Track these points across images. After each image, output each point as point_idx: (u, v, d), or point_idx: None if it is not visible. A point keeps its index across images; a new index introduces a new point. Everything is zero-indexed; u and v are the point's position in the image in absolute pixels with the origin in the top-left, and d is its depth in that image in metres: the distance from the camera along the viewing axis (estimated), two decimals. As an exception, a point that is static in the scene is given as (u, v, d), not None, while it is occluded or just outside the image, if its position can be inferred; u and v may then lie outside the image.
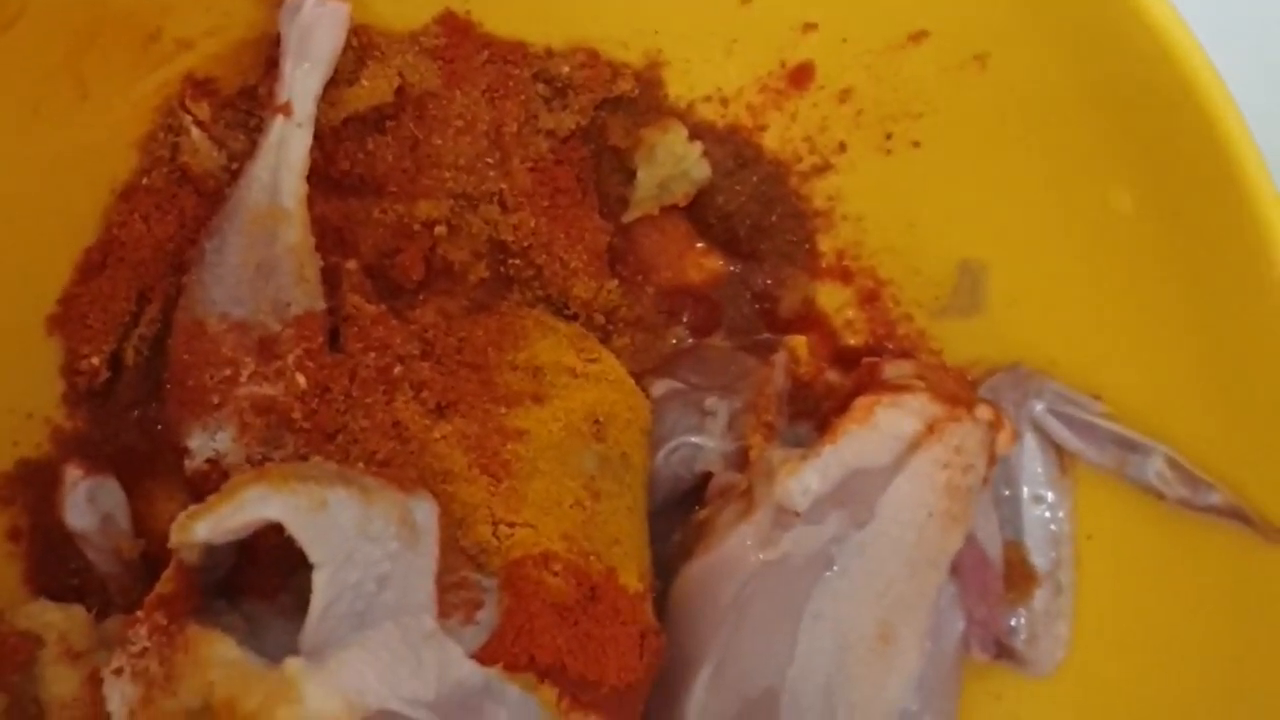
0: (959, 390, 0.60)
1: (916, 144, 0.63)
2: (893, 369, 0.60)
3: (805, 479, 0.56)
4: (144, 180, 0.58)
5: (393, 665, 0.46)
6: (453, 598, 0.51)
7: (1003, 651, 0.61)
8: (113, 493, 0.57)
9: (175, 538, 0.46)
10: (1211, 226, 0.55)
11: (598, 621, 0.52)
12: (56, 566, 0.57)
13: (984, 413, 0.58)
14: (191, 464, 0.55)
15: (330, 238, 0.59)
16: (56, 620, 0.53)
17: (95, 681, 0.52)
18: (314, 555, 0.46)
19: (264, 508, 0.45)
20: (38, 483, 0.57)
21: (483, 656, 0.49)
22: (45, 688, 0.53)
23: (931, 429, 0.57)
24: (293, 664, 0.45)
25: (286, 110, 0.55)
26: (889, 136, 0.63)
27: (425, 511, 0.50)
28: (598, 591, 0.52)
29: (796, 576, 0.56)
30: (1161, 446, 0.59)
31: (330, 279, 0.58)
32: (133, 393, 0.58)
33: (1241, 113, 0.54)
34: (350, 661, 0.46)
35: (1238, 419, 0.57)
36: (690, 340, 0.65)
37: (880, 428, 0.57)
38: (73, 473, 0.56)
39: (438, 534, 0.50)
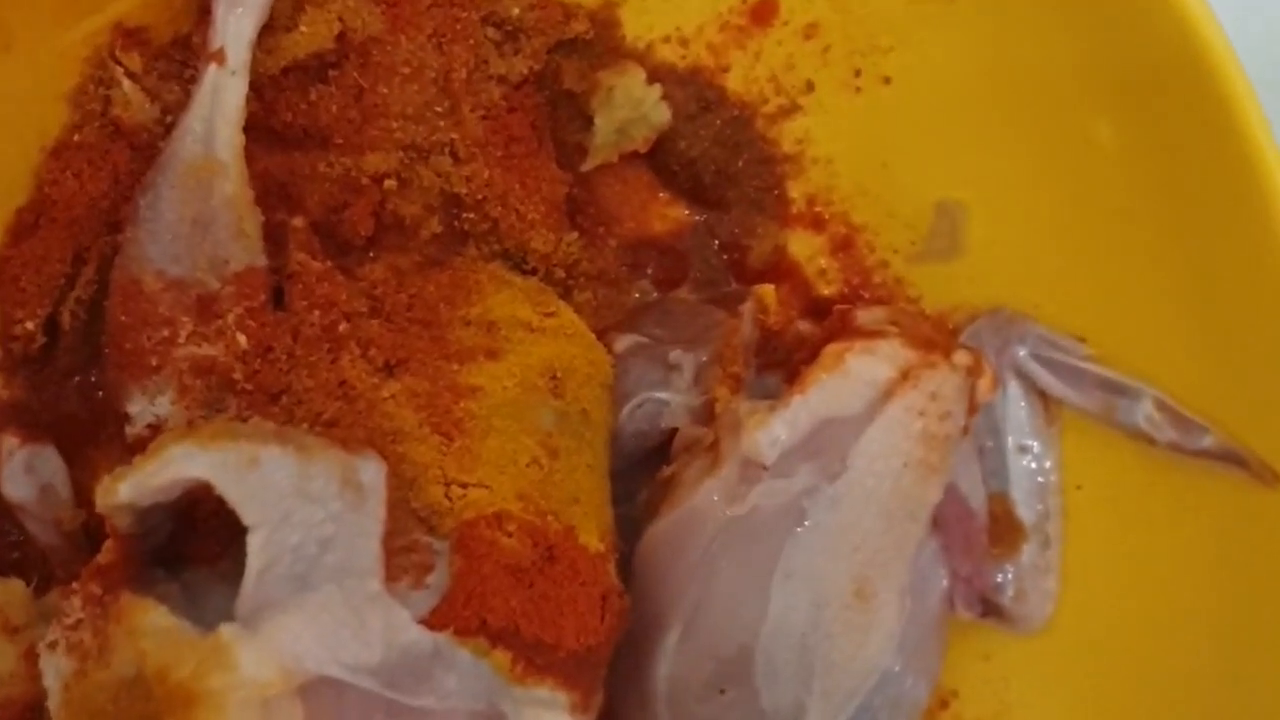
0: (935, 335, 0.57)
1: (887, 80, 0.60)
2: (866, 316, 0.58)
3: (773, 430, 0.54)
4: (75, 136, 0.56)
5: (334, 629, 0.45)
6: (402, 561, 0.49)
7: (989, 609, 0.60)
8: (51, 461, 0.55)
9: (100, 500, 0.44)
10: (1198, 157, 0.54)
11: (555, 583, 0.50)
12: (-6, 539, 0.55)
13: (962, 358, 0.56)
14: (132, 430, 0.53)
15: (275, 194, 0.57)
16: (-8, 594, 0.52)
17: (33, 656, 0.50)
18: (247, 516, 0.44)
19: (190, 466, 0.43)
20: (-28, 453, 0.55)
21: (432, 621, 0.47)
22: (-18, 664, 0.51)
23: (906, 375, 0.55)
24: (226, 630, 0.43)
25: (219, 58, 0.53)
26: (858, 73, 0.61)
27: (372, 471, 0.49)
28: (555, 552, 0.51)
29: (766, 532, 0.54)
30: (1151, 389, 0.57)
31: (276, 237, 0.56)
32: (71, 358, 0.56)
33: (1228, 37, 0.52)
34: (287, 626, 0.44)
35: (1229, 358, 0.55)
36: (655, 294, 0.63)
37: (851, 375, 0.55)
38: (9, 441, 0.54)
39: (385, 495, 0.49)
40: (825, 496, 0.54)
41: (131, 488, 0.44)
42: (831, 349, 0.55)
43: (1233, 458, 0.55)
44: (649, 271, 0.63)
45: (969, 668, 0.61)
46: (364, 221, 0.58)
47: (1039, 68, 0.57)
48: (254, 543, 0.45)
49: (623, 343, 0.60)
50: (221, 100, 0.53)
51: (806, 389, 0.54)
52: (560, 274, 0.60)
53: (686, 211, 0.63)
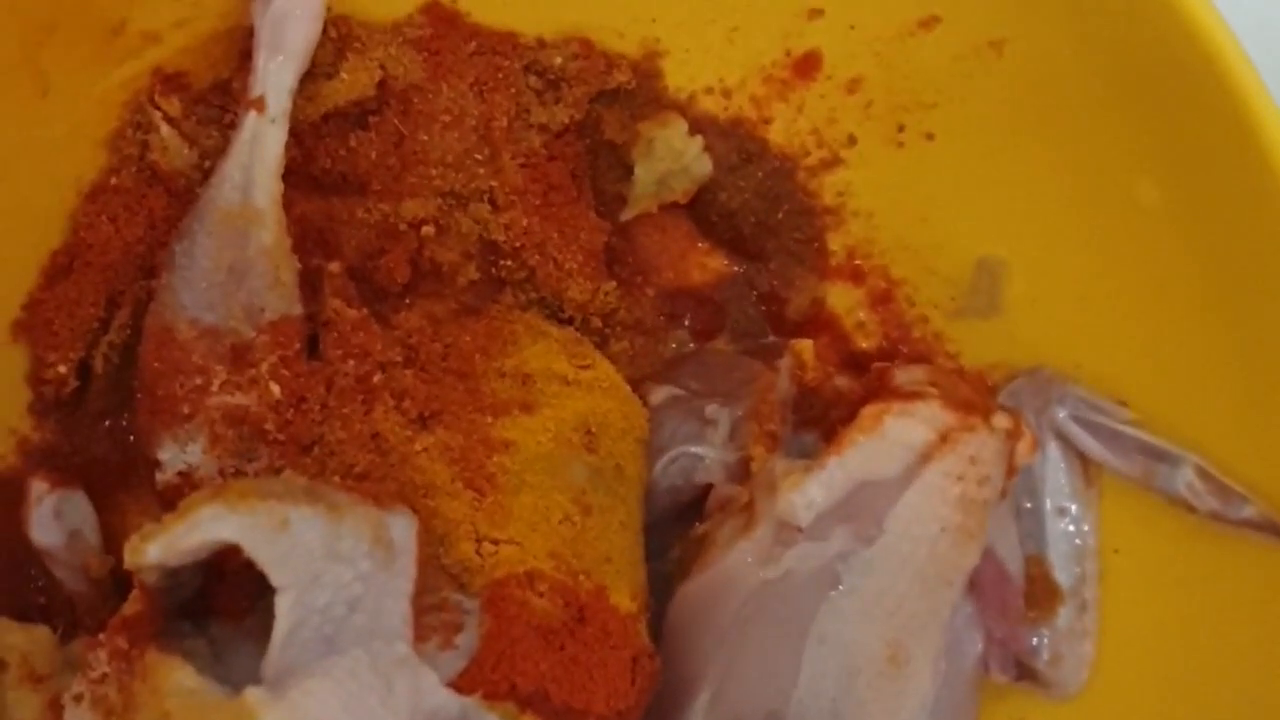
0: (975, 397, 0.56)
1: (930, 136, 0.60)
2: (904, 375, 0.57)
3: (809, 492, 0.53)
4: (112, 180, 0.56)
5: (360, 695, 0.44)
6: (431, 620, 0.49)
7: (1024, 673, 0.59)
8: (81, 507, 0.55)
9: (129, 559, 0.44)
10: (1243, 221, 0.53)
11: (585, 645, 0.49)
12: (21, 584, 0.55)
13: (1002, 421, 0.55)
14: (163, 477, 0.52)
15: (312, 239, 0.57)
16: (19, 641, 0.52)
17: (57, 707, 0.50)
18: (276, 578, 0.44)
19: (219, 528, 0.43)
20: (2, 497, 0.55)
21: (461, 684, 0.47)
22: (7, 712, 0.51)
23: (944, 438, 0.54)
24: (252, 694, 0.43)
25: (259, 105, 0.53)
26: (901, 128, 0.60)
27: (403, 528, 0.48)
28: (586, 613, 0.50)
29: (800, 595, 0.53)
30: (1191, 456, 0.56)
31: (312, 282, 0.55)
32: (103, 402, 0.56)
33: (1273, 99, 0.51)
34: (314, 691, 0.43)
35: (1272, 426, 0.54)
36: (692, 345, 0.63)
37: (889, 437, 0.54)
38: (39, 486, 0.54)
39: (416, 552, 0.48)
40: (860, 561, 0.53)
41: (160, 549, 0.43)
42: (869, 410, 0.55)
43: (1273, 528, 0.54)
44: (686, 322, 0.62)
45: (1002, 732, 0.60)
46: (401, 268, 0.57)
47: (1083, 126, 0.56)
48: (282, 605, 0.44)
49: (659, 395, 0.59)
50: (261, 148, 0.53)
51: (843, 451, 0.54)
52: (597, 323, 0.60)
53: (725, 262, 0.63)
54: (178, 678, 0.44)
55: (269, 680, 0.43)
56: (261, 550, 0.43)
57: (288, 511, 0.44)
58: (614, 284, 0.60)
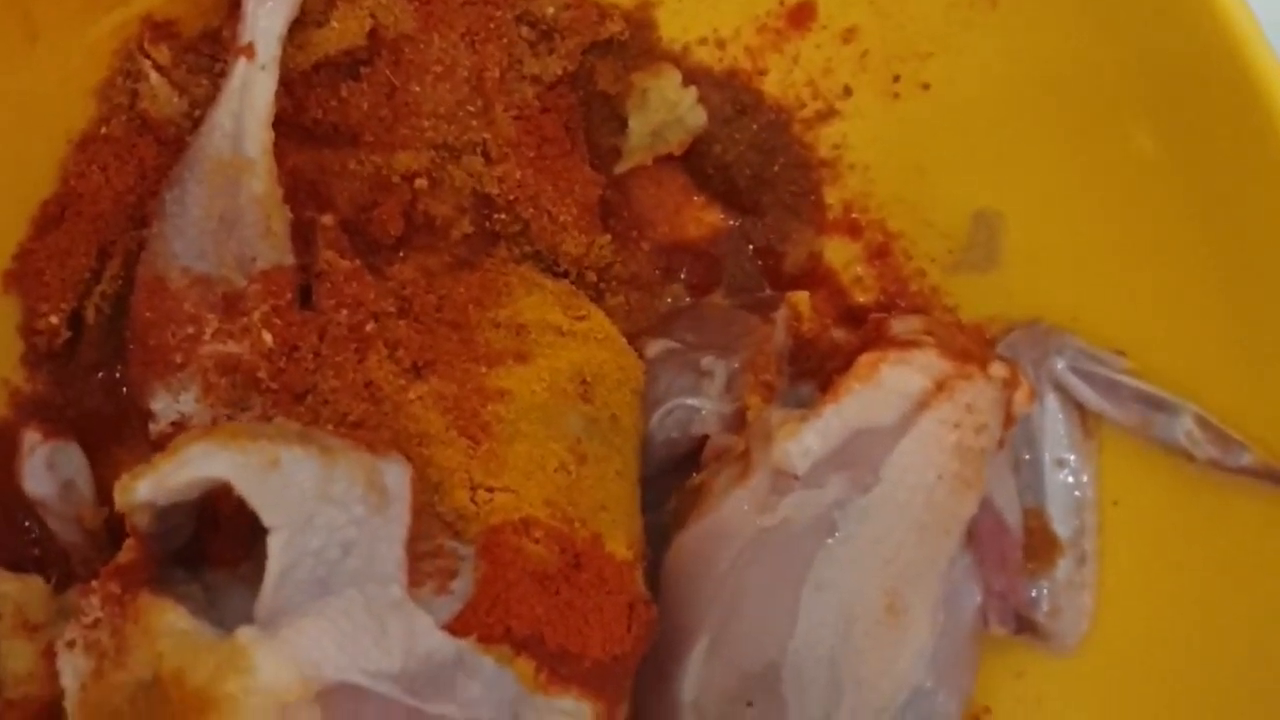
0: (972, 346, 0.56)
1: (926, 86, 0.60)
2: (901, 325, 0.57)
3: (804, 440, 0.53)
4: (102, 129, 0.55)
5: (354, 635, 0.44)
6: (426, 566, 0.48)
7: (1023, 625, 0.59)
8: (74, 458, 0.55)
9: (119, 499, 0.44)
10: (1241, 169, 0.53)
11: (581, 591, 0.49)
12: (14, 536, 0.55)
13: (999, 370, 0.55)
14: (156, 427, 0.52)
15: (305, 191, 0.57)
16: (12, 591, 0.52)
17: (52, 655, 0.49)
18: (267, 518, 0.44)
19: (209, 465, 0.43)
20: (-5, 447, 0.55)
21: (456, 627, 0.46)
22: (0, 662, 0.51)
23: (941, 387, 0.54)
24: (245, 633, 0.42)
25: (249, 52, 0.53)
26: (896, 79, 0.60)
27: (396, 474, 0.48)
28: (582, 559, 0.50)
29: (796, 543, 0.53)
30: (1190, 405, 0.56)
31: (305, 234, 0.55)
32: (95, 353, 0.56)
33: (1271, 45, 0.50)
34: (307, 630, 0.43)
35: (1270, 374, 0.54)
36: (688, 299, 0.62)
37: (885, 385, 0.54)
38: (31, 437, 0.54)
39: (410, 499, 0.48)
40: (857, 508, 0.53)
41: (150, 486, 0.43)
42: (866, 358, 0.54)
43: (1272, 475, 0.54)
44: (682, 276, 0.62)
45: (1001, 685, 0.59)
46: (394, 221, 0.57)
47: (1080, 75, 0.56)
48: (274, 545, 0.44)
49: (654, 348, 0.59)
50: (251, 96, 0.53)
51: (839, 399, 0.53)
52: (592, 277, 0.60)
53: (721, 216, 0.62)
54: (170, 619, 0.43)
55: (261, 620, 0.43)
56: (252, 488, 0.43)
57: (279, 451, 0.44)
58: (609, 238, 0.60)
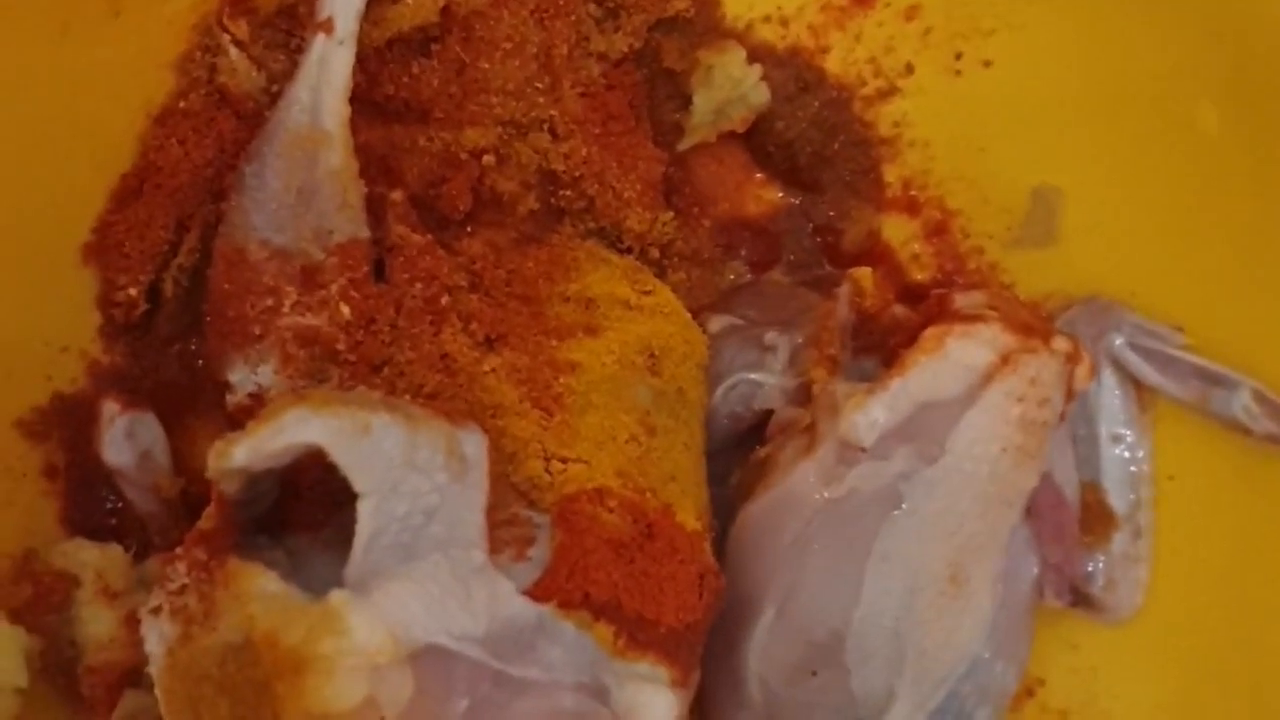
0: (1034, 321, 0.57)
1: (988, 63, 0.60)
2: (964, 299, 0.58)
3: (871, 412, 0.53)
4: (180, 103, 0.56)
5: (441, 599, 0.45)
6: (503, 534, 0.49)
7: (1079, 598, 0.59)
8: (151, 428, 0.55)
9: (213, 464, 0.44)
10: None
11: (654, 559, 0.50)
12: (93, 505, 0.56)
13: (1061, 344, 0.55)
14: (233, 399, 0.53)
15: (375, 167, 0.57)
16: (93, 559, 0.52)
17: (133, 622, 0.51)
18: (358, 483, 0.44)
19: (305, 430, 0.43)
20: (74, 418, 0.55)
21: (535, 593, 0.47)
22: (81, 628, 0.52)
23: (1005, 360, 0.54)
24: (338, 596, 0.43)
25: (328, 27, 0.53)
26: (959, 56, 0.60)
27: (474, 443, 0.48)
28: (654, 529, 0.50)
29: (862, 515, 0.53)
30: (1248, 380, 0.57)
31: (375, 210, 0.56)
32: (172, 325, 0.57)
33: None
34: (397, 593, 0.44)
35: None
36: (748, 275, 0.63)
37: (951, 358, 0.54)
38: (110, 407, 0.55)
39: (488, 467, 0.48)
40: (922, 480, 0.53)
41: (247, 451, 0.43)
42: (931, 332, 0.55)
43: (1330, 450, 0.55)
44: (743, 253, 0.63)
45: (1057, 656, 0.60)
46: (462, 196, 0.58)
47: (1143, 52, 0.57)
48: (364, 510, 0.44)
49: (717, 323, 0.60)
50: (328, 70, 0.54)
51: (906, 372, 0.54)
52: (655, 253, 0.60)
53: (781, 194, 0.63)
54: (261, 582, 0.44)
55: (351, 583, 0.44)
56: (345, 454, 0.44)
57: (370, 418, 0.44)
58: (671, 214, 0.60)
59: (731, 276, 0.63)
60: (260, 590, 0.44)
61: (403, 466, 0.45)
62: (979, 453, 0.54)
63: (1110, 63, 0.57)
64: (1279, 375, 0.56)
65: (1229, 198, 0.56)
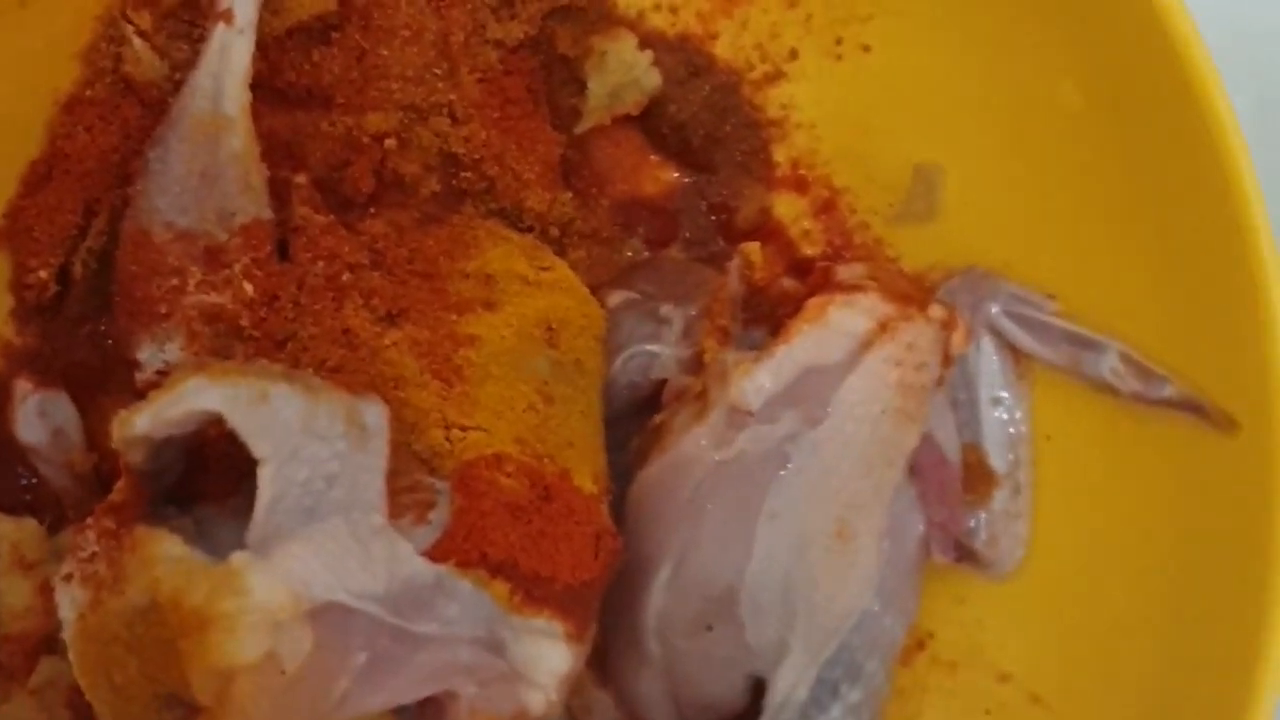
0: (912, 290, 0.60)
1: (866, 48, 0.62)
2: (846, 271, 0.60)
3: (758, 378, 0.56)
4: (87, 91, 0.57)
5: (341, 558, 0.46)
6: (404, 500, 0.51)
7: (963, 553, 0.61)
8: (63, 407, 0.57)
9: (117, 433, 0.46)
10: (1161, 119, 0.55)
11: (551, 520, 0.51)
12: (8, 480, 0.57)
13: (937, 312, 0.58)
14: (142, 376, 0.54)
15: (279, 151, 0.58)
16: (8, 531, 0.54)
17: (48, 591, 0.52)
18: (257, 449, 0.46)
19: (203, 398, 0.45)
20: (-13, 398, 0.56)
21: (434, 554, 0.49)
22: (-1, 598, 0.53)
23: (884, 327, 0.57)
24: (238, 557, 0.45)
25: (228, 17, 0.55)
26: (839, 41, 0.63)
27: (375, 414, 0.50)
28: (551, 492, 0.52)
29: (752, 475, 0.56)
30: (1115, 342, 0.59)
31: (279, 193, 0.57)
32: (82, 307, 0.58)
33: (1185, 3, 0.54)
34: (297, 553, 0.46)
35: (1189, 312, 0.57)
36: (646, 253, 0.65)
37: (832, 326, 0.57)
38: (23, 386, 0.56)
39: (388, 435, 0.50)
40: (807, 441, 0.56)
41: (147, 420, 0.45)
42: (814, 301, 0.58)
43: (1192, 406, 0.57)
44: (640, 231, 0.65)
45: (944, 610, 0.62)
46: (365, 179, 0.59)
47: (1009, 33, 0.58)
48: (264, 475, 0.46)
49: (615, 298, 0.61)
50: (229, 58, 0.55)
51: (790, 339, 0.56)
52: (555, 232, 0.62)
53: (676, 174, 0.65)
54: (165, 546, 0.46)
55: (253, 546, 0.46)
56: (243, 421, 0.45)
57: (268, 387, 0.46)
58: (570, 194, 0.62)
59: (630, 254, 0.65)
60: (165, 554, 0.46)
61: (302, 434, 0.47)
62: (860, 414, 0.56)
63: (981, 44, 0.59)
64: (1143, 338, 0.58)
65: (1092, 171, 0.58)
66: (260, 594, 0.44)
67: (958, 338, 0.59)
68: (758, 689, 0.57)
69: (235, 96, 0.55)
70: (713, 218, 0.65)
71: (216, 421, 0.47)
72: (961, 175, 0.62)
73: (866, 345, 0.57)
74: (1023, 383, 0.63)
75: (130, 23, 0.57)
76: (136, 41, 0.56)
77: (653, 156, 0.65)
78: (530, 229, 0.62)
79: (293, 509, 0.47)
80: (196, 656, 0.44)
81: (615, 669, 0.58)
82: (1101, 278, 0.59)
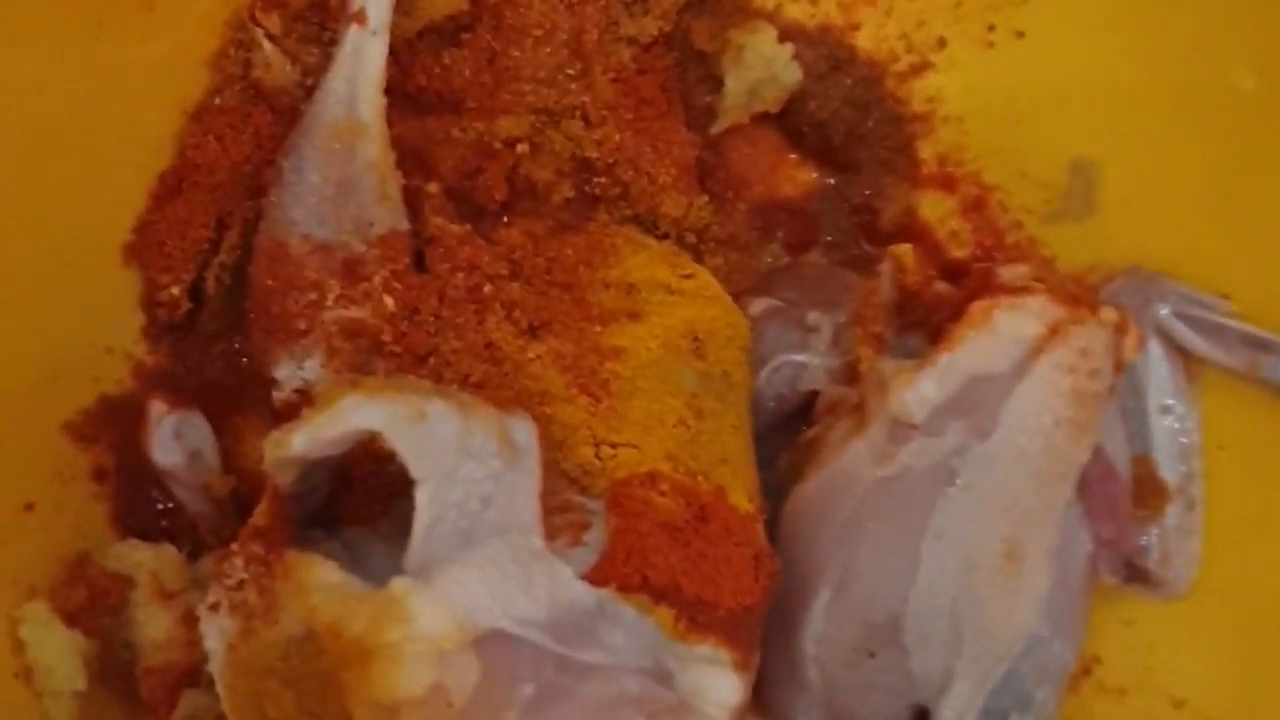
0: (1080, 292, 0.56)
1: (1020, 34, 0.60)
2: (1008, 273, 0.57)
3: (921, 388, 0.53)
4: (216, 99, 0.56)
5: (502, 583, 0.44)
6: (558, 520, 0.49)
7: (1133, 574, 0.59)
8: (200, 428, 0.55)
9: (270, 454, 0.44)
10: None
11: (710, 542, 0.49)
12: (144, 506, 0.55)
13: (1109, 314, 0.55)
14: (280, 395, 0.53)
15: (409, 159, 0.57)
16: (147, 560, 0.52)
17: (190, 621, 0.51)
18: (416, 469, 0.44)
19: (362, 417, 0.43)
20: (121, 420, 0.55)
21: (594, 578, 0.47)
22: (138, 630, 0.51)
23: (1054, 331, 0.54)
24: (400, 583, 0.43)
25: (360, 18, 0.53)
26: (991, 28, 0.60)
27: (525, 430, 0.48)
28: (707, 511, 0.50)
29: (916, 492, 0.53)
30: (1297, 345, 0.56)
31: (411, 202, 0.55)
32: (216, 324, 0.57)
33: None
34: (459, 579, 0.43)
35: None
36: (786, 258, 0.63)
37: (999, 332, 0.54)
38: (158, 408, 0.54)
39: (539, 453, 0.48)
40: (976, 456, 0.53)
41: (304, 439, 0.43)
42: (978, 305, 0.54)
43: (1383, 411, 0.54)
44: (779, 235, 0.62)
45: (1112, 634, 0.59)
46: (498, 186, 0.58)
47: (1176, 17, 0.57)
48: (422, 497, 0.44)
49: (757, 306, 0.59)
50: (363, 61, 0.53)
51: (954, 346, 0.53)
52: (691, 238, 0.60)
53: (816, 174, 0.63)
54: (321, 572, 0.44)
55: (411, 571, 0.44)
56: (402, 439, 0.43)
57: (424, 404, 0.44)
58: (706, 198, 0.60)
59: (769, 259, 0.62)
60: (321, 581, 0.44)
61: (458, 453, 0.45)
62: (1031, 426, 0.53)
63: (1143, 29, 0.57)
64: (1327, 338, 0.56)
65: (1269, 160, 0.56)
66: (425, 622, 0.42)
67: (1131, 342, 0.55)
68: (921, 719, 0.54)
69: (371, 100, 0.53)
70: (855, 219, 0.63)
71: (367, 441, 0.45)
72: (1122, 169, 0.60)
73: (1036, 351, 0.53)
74: (1194, 389, 0.60)
75: (259, 26, 0.55)
76: (266, 46, 0.55)
77: (791, 156, 0.63)
78: (666, 235, 0.60)
79: (450, 532, 0.45)
80: (359, 689, 0.41)
81: (771, 698, 0.56)
82: (1279, 274, 0.56)
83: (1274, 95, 0.55)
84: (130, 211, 0.56)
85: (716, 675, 0.47)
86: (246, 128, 0.55)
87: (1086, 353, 0.54)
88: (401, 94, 0.57)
